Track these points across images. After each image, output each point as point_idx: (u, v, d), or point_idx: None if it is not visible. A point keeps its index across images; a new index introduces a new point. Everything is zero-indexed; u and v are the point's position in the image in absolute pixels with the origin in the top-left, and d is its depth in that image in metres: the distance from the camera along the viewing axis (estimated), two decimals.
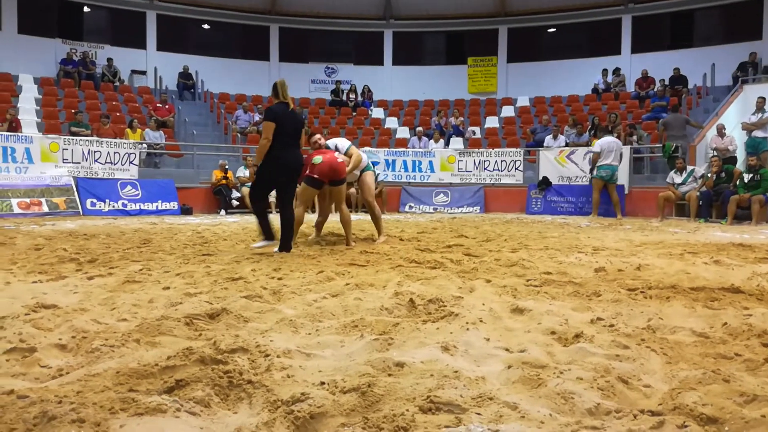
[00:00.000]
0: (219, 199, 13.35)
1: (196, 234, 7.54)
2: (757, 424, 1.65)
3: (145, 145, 14.18)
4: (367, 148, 15.57)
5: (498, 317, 2.90)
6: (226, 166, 13.57)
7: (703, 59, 17.08)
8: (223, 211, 13.05)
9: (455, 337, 2.49)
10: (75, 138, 12.44)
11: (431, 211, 14.14)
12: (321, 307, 3.07)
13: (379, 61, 21.32)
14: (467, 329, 2.63)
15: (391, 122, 19.09)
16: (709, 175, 11.15)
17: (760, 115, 12.29)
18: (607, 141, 12.00)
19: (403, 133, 18.16)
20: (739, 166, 11.67)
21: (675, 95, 16.45)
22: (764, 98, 12.30)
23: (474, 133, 17.50)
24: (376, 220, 6.71)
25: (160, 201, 12.53)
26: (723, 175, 10.94)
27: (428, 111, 19.59)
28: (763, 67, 15.95)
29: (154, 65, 18.85)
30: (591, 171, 12.34)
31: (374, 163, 14.41)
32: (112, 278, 4.00)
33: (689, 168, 11.69)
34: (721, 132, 12.22)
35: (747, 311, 3.00)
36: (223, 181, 13.32)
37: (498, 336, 2.58)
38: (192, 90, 18.97)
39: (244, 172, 13.73)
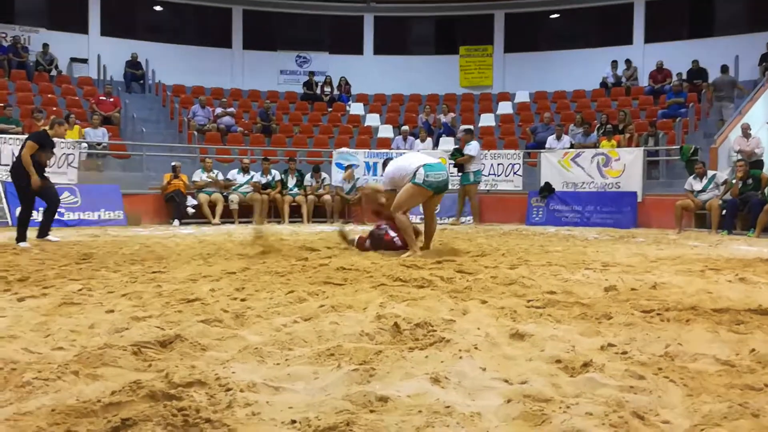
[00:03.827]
0: (172, 207, 13.25)
1: (144, 248, 7.47)
2: None
3: (85, 145, 14.04)
4: (344, 149, 15.60)
5: (495, 343, 2.91)
6: (180, 169, 13.50)
7: (726, 50, 17.28)
8: (176, 221, 12.95)
9: (446, 367, 2.49)
10: (3, 136, 12.28)
11: (418, 221, 14.14)
12: (291, 333, 3.05)
13: (359, 50, 21.41)
14: (460, 357, 2.63)
15: (372, 119, 19.15)
16: (734, 181, 11.27)
17: None
18: (477, 146, 13.21)
19: (385, 131, 18.23)
20: (766, 170, 11.82)
21: (693, 90, 16.70)
22: None
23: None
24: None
25: (102, 210, 12.41)
26: (750, 181, 11.06)
27: (414, 107, 19.69)
28: None
29: (97, 52, 18.72)
30: (461, 175, 13.27)
31: (354, 166, 14.46)
32: (47, 300, 3.94)
33: (710, 173, 11.83)
34: (746, 132, 12.41)
35: None
36: (177, 186, 13.22)
37: (495, 365, 2.58)
38: (141, 81, 18.86)
39: (201, 176, 13.66)
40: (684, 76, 17.35)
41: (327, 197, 14.21)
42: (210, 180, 13.65)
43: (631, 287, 4.47)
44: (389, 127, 18.44)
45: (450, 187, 7.56)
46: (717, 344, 2.90)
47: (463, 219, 13.43)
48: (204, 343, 2.88)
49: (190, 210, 13.23)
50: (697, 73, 17.29)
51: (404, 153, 7.47)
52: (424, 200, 6.76)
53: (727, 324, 3.29)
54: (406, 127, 16.59)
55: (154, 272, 5.23)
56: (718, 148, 13.10)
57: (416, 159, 6.76)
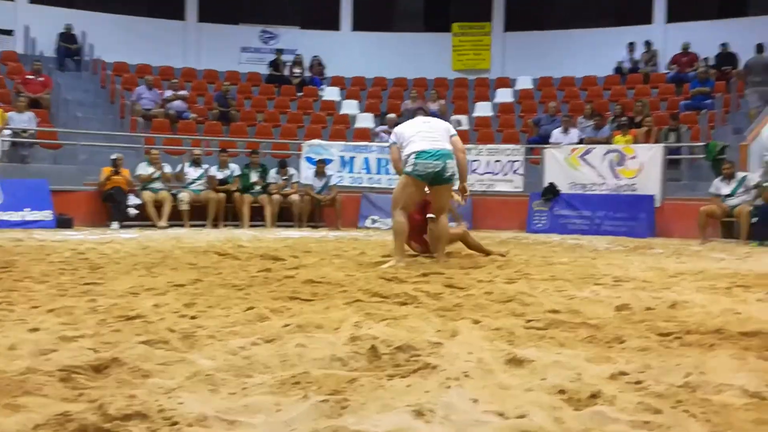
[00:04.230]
0: (110, 206, 13.16)
1: (77, 255, 7.41)
2: None
3: (8, 132, 13.89)
4: (316, 141, 15.57)
5: (489, 371, 2.92)
6: (121, 163, 13.41)
7: (759, 32, 17.41)
8: (115, 224, 12.87)
9: (432, 398, 2.49)
10: None
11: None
12: (250, 357, 3.04)
13: (334, 25, 21.42)
14: (448, 387, 2.63)
15: (349, 106, 19.17)
16: (766, 184, 11.41)
17: None
18: None
19: (365, 121, 18.25)
20: None
21: (722, 78, 16.87)
22: None
23: (459, 123, 17.66)
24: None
25: (27, 209, 12.31)
26: None
27: (399, 92, 19.74)
28: None
29: (24, 23, 18.60)
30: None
31: (327, 161, 14.44)
32: None
33: (740, 175, 11.95)
34: None
35: None
36: (117, 183, 13.13)
37: (489, 396, 2.58)
38: (76, 57, 18.71)
39: (146, 170, 13.56)
40: (711, 62, 17.47)
41: (295, 197, 14.16)
42: (157, 169, 13.57)
43: (647, 306, 4.51)
44: (369, 115, 18.45)
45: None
46: (745, 373, 2.93)
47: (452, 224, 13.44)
48: (146, 368, 2.85)
49: (133, 211, 13.14)
50: (726, 58, 17.42)
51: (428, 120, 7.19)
52: (420, 192, 6.74)
53: (756, 350, 3.32)
54: (392, 115, 16.36)
55: (87, 284, 5.18)
56: (750, 146, 13.23)
57: (416, 142, 6.62)
